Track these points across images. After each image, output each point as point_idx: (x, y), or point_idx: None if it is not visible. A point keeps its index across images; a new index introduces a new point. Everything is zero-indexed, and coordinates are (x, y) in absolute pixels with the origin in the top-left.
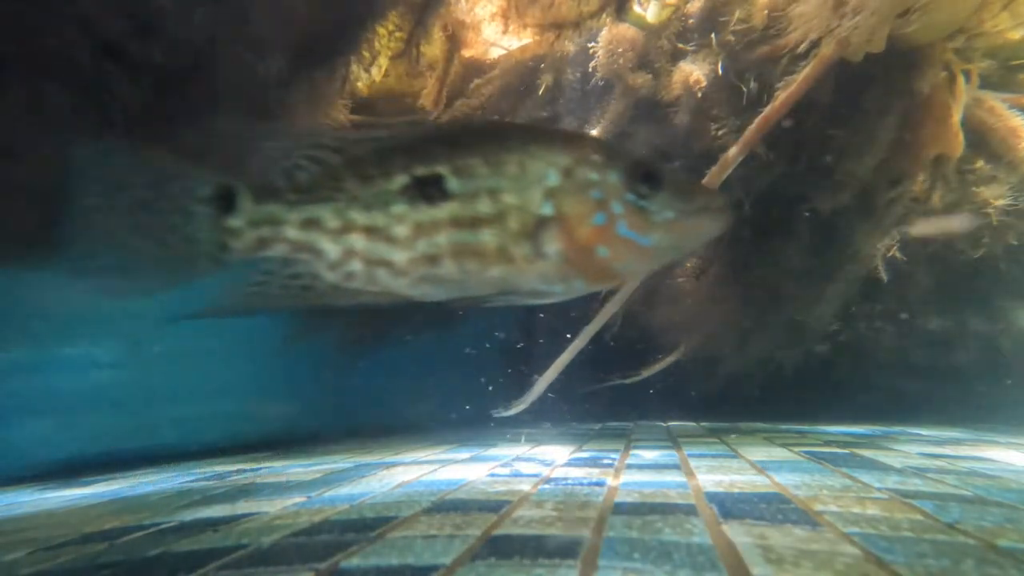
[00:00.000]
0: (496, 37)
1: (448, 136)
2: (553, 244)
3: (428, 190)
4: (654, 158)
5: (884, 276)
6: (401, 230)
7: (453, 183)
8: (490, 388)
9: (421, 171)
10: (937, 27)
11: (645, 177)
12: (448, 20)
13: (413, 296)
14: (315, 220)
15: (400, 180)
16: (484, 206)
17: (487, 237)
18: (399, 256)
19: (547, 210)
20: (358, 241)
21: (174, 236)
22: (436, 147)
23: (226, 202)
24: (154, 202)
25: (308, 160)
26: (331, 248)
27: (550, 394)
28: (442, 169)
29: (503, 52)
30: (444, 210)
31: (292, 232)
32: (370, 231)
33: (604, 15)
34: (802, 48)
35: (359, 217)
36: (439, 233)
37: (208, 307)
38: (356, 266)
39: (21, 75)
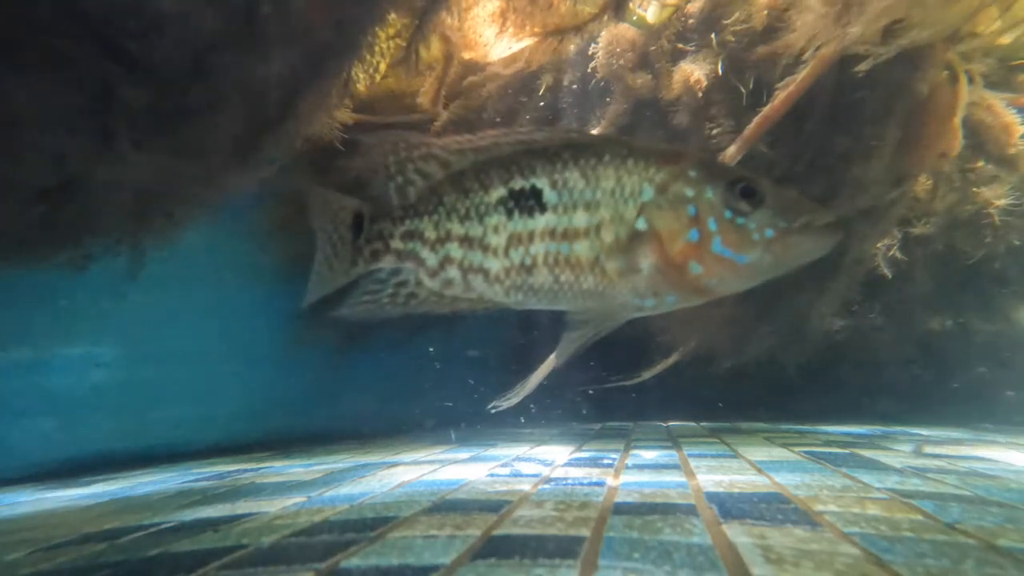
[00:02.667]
0: (495, 39)
1: (546, 149)
2: (646, 258)
3: (526, 202)
4: (756, 174)
5: (888, 273)
6: (496, 240)
7: (550, 195)
8: (481, 390)
9: (519, 184)
10: (935, 31)
11: (744, 193)
12: (446, 25)
13: (508, 303)
14: (416, 231)
15: (498, 192)
16: (579, 219)
17: (581, 249)
18: (494, 264)
19: (641, 224)
20: (454, 250)
21: (336, 255)
22: (534, 160)
23: (358, 225)
24: (332, 233)
25: (417, 174)
26: (430, 256)
27: (548, 399)
28: (539, 182)
29: (504, 54)
30: (540, 221)
31: (396, 244)
32: (465, 240)
33: (604, 17)
34: (803, 48)
35: (456, 227)
36: (534, 243)
37: (340, 312)
38: (453, 273)
39: (20, 74)
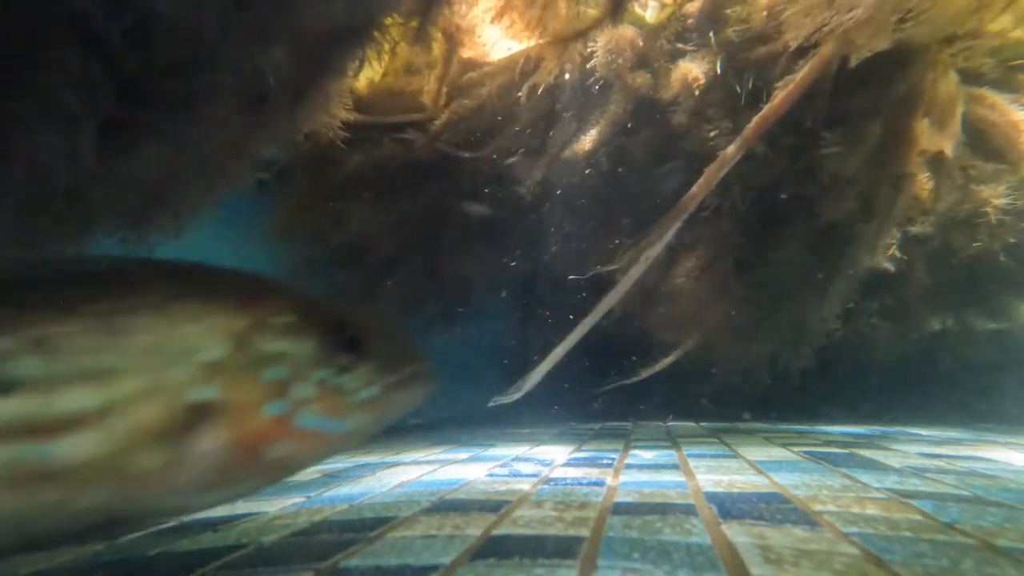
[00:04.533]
0: (496, 40)
1: (22, 288)
2: (209, 444)
3: None
4: (353, 311)
5: (891, 268)
6: None
7: (26, 366)
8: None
9: None
10: (937, 27)
11: (345, 344)
12: (448, 21)
13: None
14: None
15: None
16: (81, 397)
17: (81, 446)
18: None
19: (202, 395)
20: None
21: None
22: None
23: None
24: None
25: None
26: None
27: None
28: (5, 344)
29: (505, 54)
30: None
31: None
32: None
33: (605, 21)
34: (800, 44)
35: None
36: None
37: None
38: None
39: (10, 73)
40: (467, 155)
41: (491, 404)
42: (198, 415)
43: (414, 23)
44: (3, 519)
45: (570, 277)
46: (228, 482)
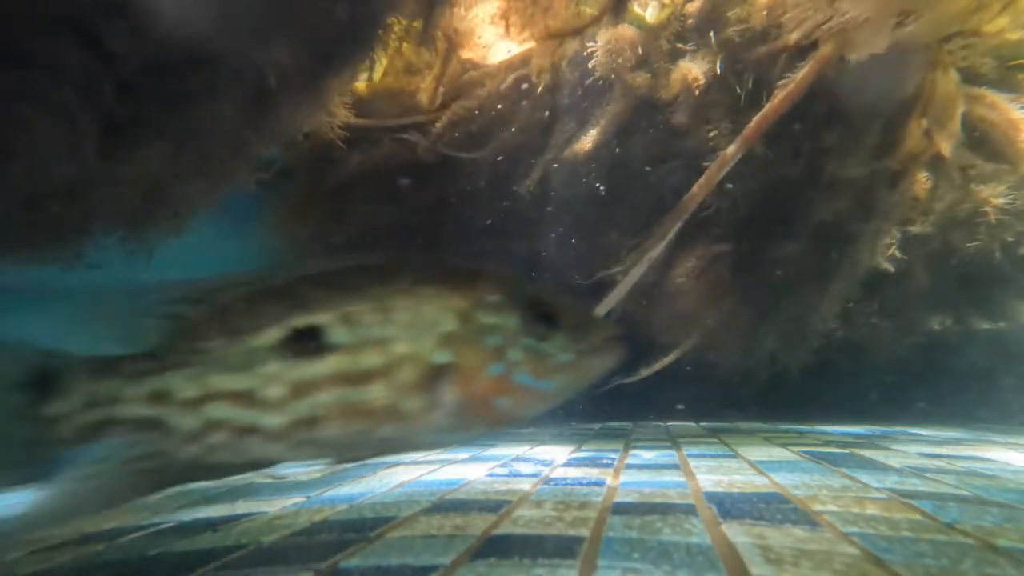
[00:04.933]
0: (496, 40)
1: (329, 279)
2: (449, 395)
3: (307, 343)
4: (549, 292)
5: (891, 268)
6: (275, 391)
7: (337, 334)
8: None
9: (299, 321)
10: (936, 27)
11: (542, 317)
12: (447, 22)
13: (290, 459)
14: (165, 392)
15: (274, 334)
16: (372, 358)
17: (376, 393)
18: (273, 421)
19: (441, 358)
20: (220, 410)
21: None
22: (316, 292)
23: (43, 385)
24: None
25: (162, 318)
26: (187, 422)
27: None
28: (323, 319)
29: (504, 55)
30: (325, 365)
31: (137, 410)
32: (237, 397)
33: (604, 20)
34: (800, 44)
35: (223, 381)
36: (320, 392)
37: (21, 526)
38: (220, 438)
39: (4, 69)
40: (467, 156)
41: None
42: (440, 373)
43: (417, 24)
44: (335, 440)
45: (576, 281)
46: (466, 426)
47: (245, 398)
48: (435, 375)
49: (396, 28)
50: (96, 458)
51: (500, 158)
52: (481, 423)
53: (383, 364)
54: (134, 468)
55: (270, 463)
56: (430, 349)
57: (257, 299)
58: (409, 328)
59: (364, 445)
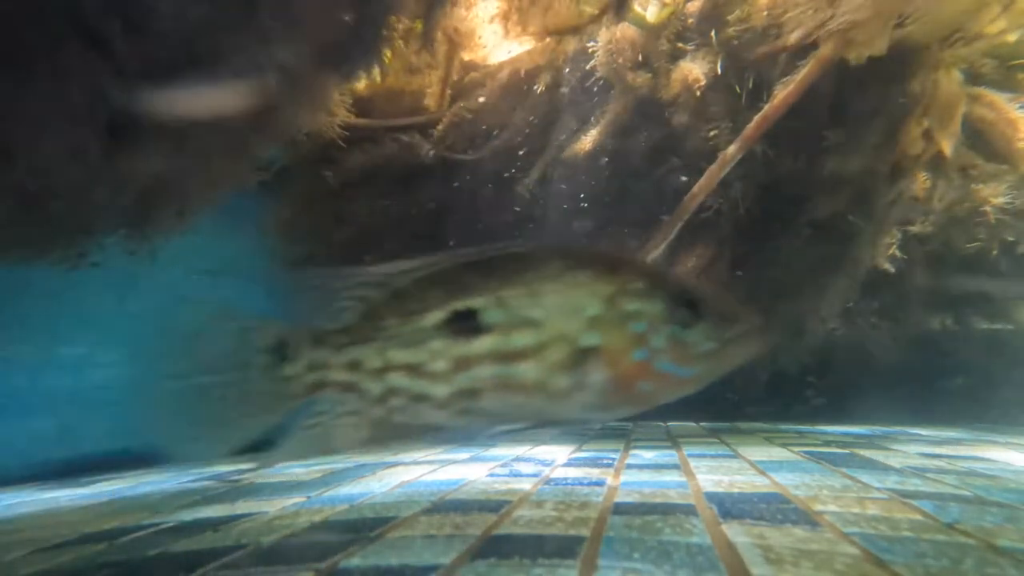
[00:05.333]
0: (497, 40)
1: (483, 265)
2: (595, 377)
3: (466, 323)
4: (693, 281)
5: (891, 268)
6: (440, 365)
7: (491, 316)
8: None
9: (458, 304)
10: (935, 29)
11: (687, 305)
12: (449, 22)
13: (457, 426)
14: (358, 361)
15: (438, 315)
16: (524, 339)
17: (528, 370)
18: (439, 391)
19: (589, 341)
20: (398, 379)
21: (244, 386)
22: (472, 278)
23: (282, 351)
24: (229, 356)
25: (353, 300)
26: (374, 387)
27: None
28: (479, 302)
29: (505, 56)
30: (483, 344)
31: (340, 375)
32: (410, 368)
33: (604, 18)
34: (800, 44)
35: (398, 355)
36: (478, 367)
37: (279, 453)
38: (398, 402)
39: (6, 69)
40: (468, 158)
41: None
42: (587, 355)
43: (418, 25)
44: (492, 410)
45: None
46: (609, 406)
47: (416, 370)
48: (582, 357)
49: (398, 28)
50: (316, 412)
51: (500, 158)
52: (623, 405)
53: (534, 344)
54: (341, 422)
55: (441, 428)
56: (577, 332)
57: (424, 284)
58: (558, 311)
59: (519, 416)
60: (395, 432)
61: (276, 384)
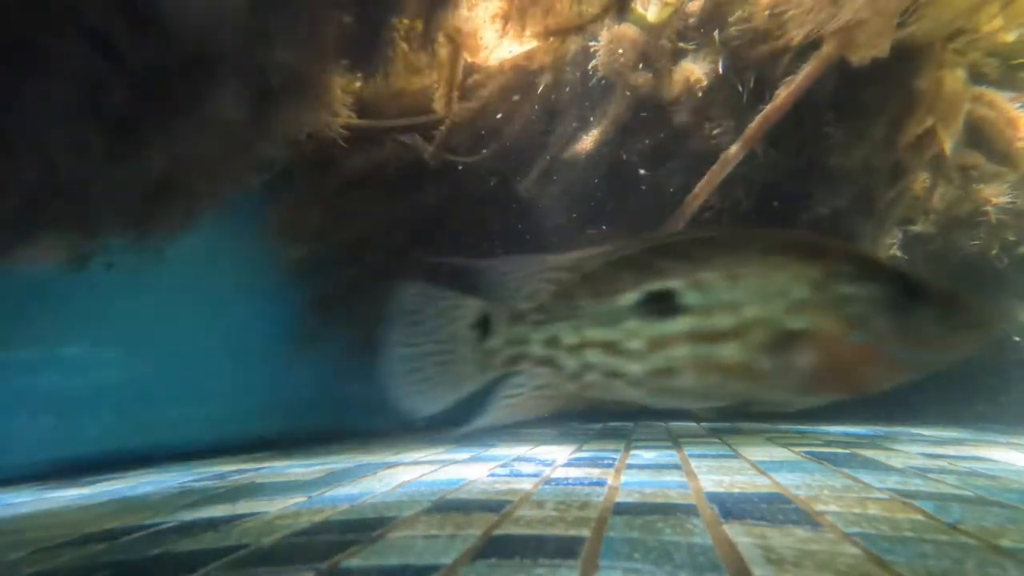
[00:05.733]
0: (496, 41)
1: (677, 248)
2: (803, 361)
3: (662, 305)
4: (911, 268)
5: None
6: (635, 344)
7: (687, 297)
8: None
9: (653, 285)
10: (937, 27)
11: (905, 290)
12: (452, 23)
13: (652, 404)
14: (555, 338)
15: (632, 296)
16: (723, 320)
17: (728, 351)
18: (634, 369)
19: (796, 325)
20: (594, 355)
21: (451, 358)
22: (666, 260)
23: (485, 326)
24: (438, 331)
25: (547, 282)
26: (569, 363)
27: None
28: (674, 283)
29: (507, 56)
30: (679, 324)
31: (537, 350)
32: (605, 346)
33: (607, 17)
34: (803, 41)
35: (594, 333)
36: (675, 347)
37: (475, 423)
38: (593, 377)
39: (9, 69)
40: (469, 159)
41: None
42: (794, 338)
43: (419, 26)
44: (689, 389)
45: None
46: (820, 390)
47: (612, 348)
48: (789, 340)
49: (400, 28)
50: (514, 384)
51: (500, 159)
52: (835, 390)
53: (734, 326)
54: (537, 394)
55: (634, 404)
56: (782, 315)
57: (615, 267)
58: (759, 294)
59: (716, 396)
60: (586, 405)
61: (480, 355)
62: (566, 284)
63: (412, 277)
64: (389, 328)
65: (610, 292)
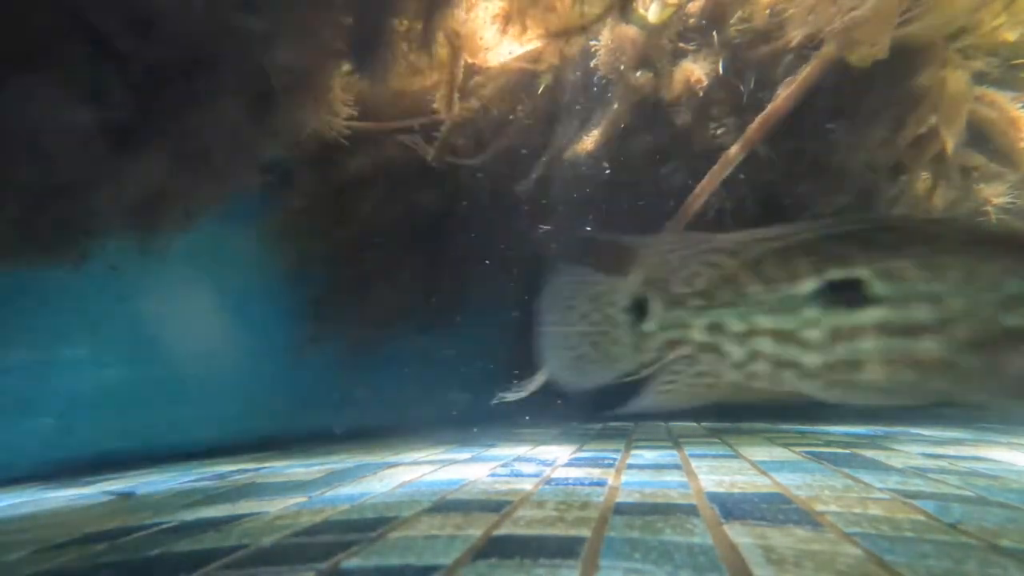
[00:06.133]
0: (497, 41)
1: (857, 235)
2: (1020, 361)
3: (846, 294)
4: None
5: None
6: (813, 334)
7: (877, 287)
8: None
9: (835, 274)
10: (938, 27)
11: None
12: (451, 24)
13: (824, 397)
14: (719, 324)
15: (810, 284)
16: (920, 312)
17: (927, 346)
18: (811, 359)
19: (1011, 321)
20: (764, 344)
21: (606, 340)
22: (848, 248)
23: (640, 310)
24: (592, 314)
25: (704, 265)
26: (736, 350)
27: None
28: (861, 272)
29: (508, 57)
30: (867, 315)
31: (698, 335)
32: (777, 334)
33: (609, 17)
34: (803, 44)
35: (764, 320)
36: (862, 339)
37: (630, 406)
38: (760, 367)
39: (11, 70)
40: (470, 160)
41: (494, 402)
42: (1011, 336)
43: (418, 26)
44: (875, 385)
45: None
46: None
47: (785, 337)
48: (1004, 337)
49: (400, 28)
50: (673, 370)
51: (500, 160)
52: None
53: (935, 319)
54: (696, 381)
55: (803, 397)
56: (995, 310)
57: (788, 254)
58: (964, 286)
59: (908, 394)
60: (748, 397)
61: (636, 339)
62: (726, 269)
63: (565, 260)
64: (545, 311)
65: (783, 279)
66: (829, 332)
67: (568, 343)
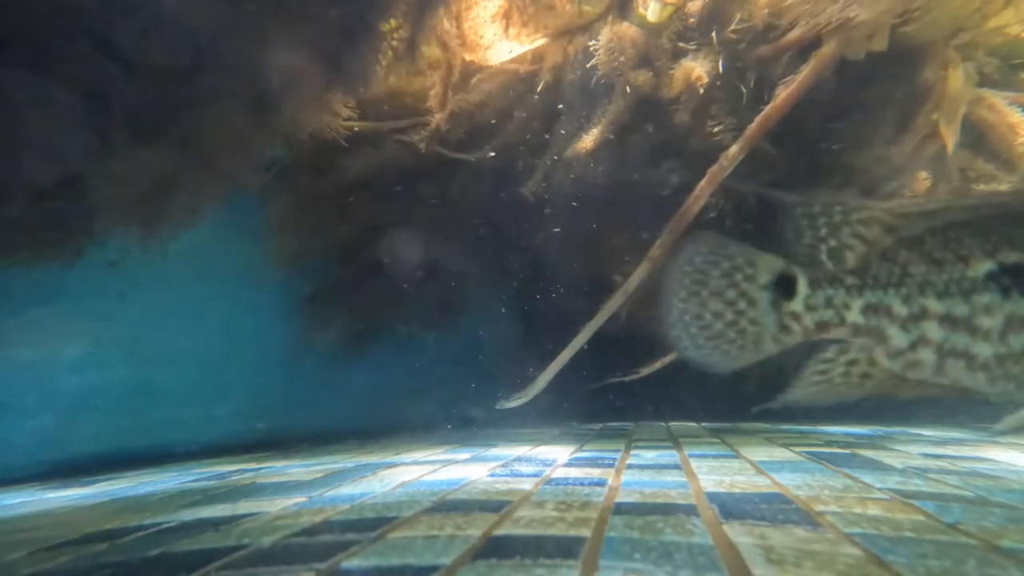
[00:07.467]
0: (496, 41)
1: None
2: None
3: (1017, 279)
4: None
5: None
6: (988, 322)
7: None
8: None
9: (1012, 257)
10: (939, 25)
11: None
12: (448, 24)
13: (988, 392)
14: (879, 306)
15: (984, 266)
16: None
17: None
18: (984, 350)
19: None
20: (932, 330)
21: (741, 319)
22: (1021, 230)
23: (786, 288)
24: (726, 291)
25: (855, 238)
26: (898, 335)
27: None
28: None
29: (507, 56)
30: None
31: (855, 318)
32: (947, 320)
33: (610, 16)
34: (802, 43)
35: (933, 305)
36: None
37: (780, 399)
38: (926, 356)
39: (15, 71)
40: (470, 158)
41: (497, 407)
42: None
43: (404, 32)
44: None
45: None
46: None
47: (957, 324)
48: None
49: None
50: (824, 359)
51: (500, 159)
52: None
53: None
54: (850, 371)
55: (967, 390)
56: None
57: (954, 232)
58: None
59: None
60: (906, 389)
61: (777, 319)
62: (882, 245)
63: (702, 229)
64: (674, 284)
65: (953, 260)
66: (1006, 320)
67: (700, 322)
